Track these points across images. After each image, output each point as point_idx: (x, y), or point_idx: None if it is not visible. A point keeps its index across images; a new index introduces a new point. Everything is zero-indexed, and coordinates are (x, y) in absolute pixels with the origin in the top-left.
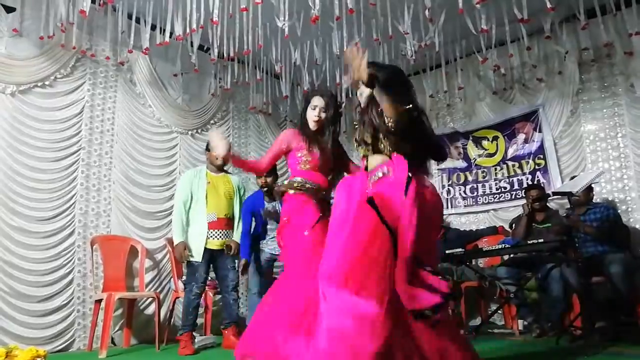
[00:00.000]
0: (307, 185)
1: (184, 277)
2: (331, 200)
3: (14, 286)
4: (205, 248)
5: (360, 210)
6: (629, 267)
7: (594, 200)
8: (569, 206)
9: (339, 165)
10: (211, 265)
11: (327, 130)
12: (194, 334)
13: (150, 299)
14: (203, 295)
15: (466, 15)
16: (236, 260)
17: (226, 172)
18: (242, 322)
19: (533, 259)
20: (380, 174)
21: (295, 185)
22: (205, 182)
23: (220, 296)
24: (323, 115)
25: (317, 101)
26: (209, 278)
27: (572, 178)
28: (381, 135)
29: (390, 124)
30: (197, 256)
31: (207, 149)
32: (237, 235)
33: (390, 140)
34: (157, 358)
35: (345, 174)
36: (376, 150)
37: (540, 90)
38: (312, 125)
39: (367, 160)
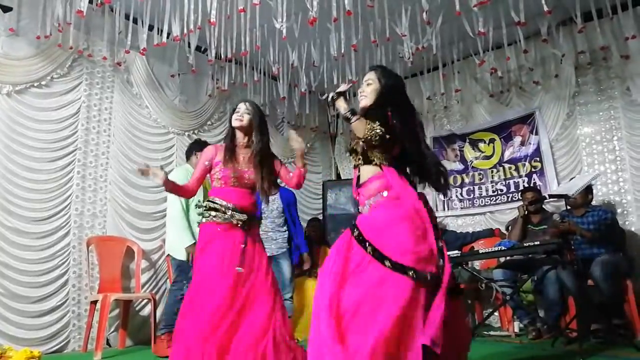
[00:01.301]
0: (213, 213)
1: (174, 276)
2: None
3: (8, 287)
4: None
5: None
6: (616, 268)
7: (592, 203)
8: (564, 209)
9: (267, 173)
10: None
11: (255, 138)
12: None
13: (146, 300)
14: None
15: (463, 17)
16: None
17: None
18: None
19: (529, 261)
20: (379, 198)
21: (203, 213)
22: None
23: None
24: (247, 117)
25: (241, 106)
26: None
27: (571, 179)
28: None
29: (360, 140)
30: (185, 253)
31: (193, 152)
32: None
33: (378, 152)
34: (152, 359)
35: (279, 180)
36: (366, 161)
37: (536, 93)
38: (235, 124)
39: (359, 171)
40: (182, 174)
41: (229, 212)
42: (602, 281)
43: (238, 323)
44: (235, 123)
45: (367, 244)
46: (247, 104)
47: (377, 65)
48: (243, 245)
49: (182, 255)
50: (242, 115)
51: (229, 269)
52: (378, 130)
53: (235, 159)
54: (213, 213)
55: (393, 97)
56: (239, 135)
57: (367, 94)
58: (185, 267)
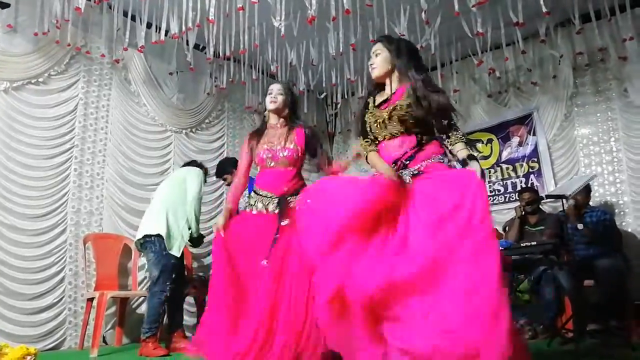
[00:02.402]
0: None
1: (154, 274)
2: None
3: (4, 284)
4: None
5: None
6: (619, 271)
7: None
8: (561, 210)
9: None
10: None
11: (292, 117)
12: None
13: (142, 298)
14: (198, 295)
15: (462, 18)
16: None
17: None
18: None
19: (526, 261)
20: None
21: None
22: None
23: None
24: (280, 98)
25: (273, 87)
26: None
27: (569, 179)
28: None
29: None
30: (177, 252)
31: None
32: None
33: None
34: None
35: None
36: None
37: (534, 94)
38: (270, 107)
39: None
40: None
41: (264, 201)
42: (611, 283)
43: (272, 330)
44: (270, 106)
45: None
46: (279, 85)
47: (381, 36)
48: (276, 236)
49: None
50: (275, 97)
51: (257, 263)
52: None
53: (269, 140)
54: (252, 202)
55: (409, 57)
56: (273, 117)
57: (377, 64)
58: (170, 267)
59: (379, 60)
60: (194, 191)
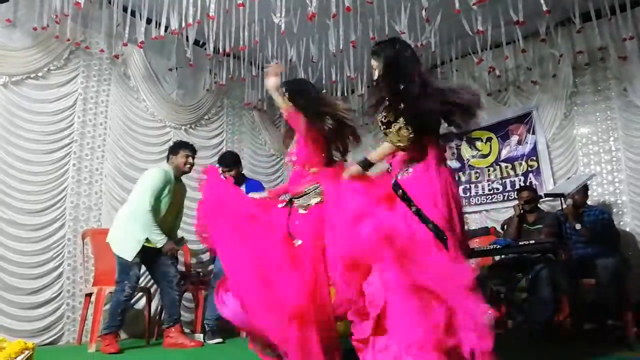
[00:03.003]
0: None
1: (116, 276)
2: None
3: (3, 278)
4: (143, 246)
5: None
6: (617, 270)
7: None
8: (559, 208)
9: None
10: (144, 264)
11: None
12: (187, 329)
13: (140, 294)
14: (195, 291)
15: (462, 16)
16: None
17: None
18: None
19: (524, 260)
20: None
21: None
22: (171, 194)
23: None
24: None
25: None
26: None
27: (568, 179)
28: None
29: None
30: (132, 252)
31: (173, 152)
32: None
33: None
34: (146, 352)
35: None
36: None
37: (534, 92)
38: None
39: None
40: (166, 179)
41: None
42: (610, 284)
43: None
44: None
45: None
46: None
47: (372, 48)
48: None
49: (128, 255)
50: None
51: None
52: (405, 134)
53: (285, 145)
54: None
55: (397, 72)
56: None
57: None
58: (126, 267)
59: (377, 75)
60: (139, 195)
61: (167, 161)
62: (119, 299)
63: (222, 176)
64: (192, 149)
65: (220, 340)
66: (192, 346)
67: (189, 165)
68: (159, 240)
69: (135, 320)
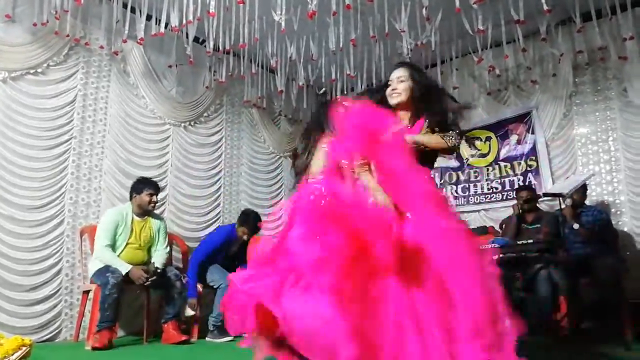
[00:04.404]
0: None
1: (95, 271)
2: None
3: (1, 275)
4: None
5: None
6: (615, 270)
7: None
8: (558, 208)
9: None
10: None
11: None
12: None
13: (138, 291)
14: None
15: (463, 15)
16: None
17: (150, 213)
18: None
19: (522, 259)
20: None
21: None
22: (129, 230)
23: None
24: None
25: None
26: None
27: (566, 178)
28: None
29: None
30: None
31: (137, 191)
32: (158, 260)
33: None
34: (145, 349)
35: None
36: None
37: (534, 92)
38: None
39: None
40: (116, 218)
41: None
42: (602, 281)
43: None
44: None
45: None
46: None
47: (403, 62)
48: None
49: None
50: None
51: None
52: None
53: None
54: None
55: (430, 96)
56: None
57: (402, 91)
58: (103, 269)
59: (403, 88)
60: (96, 233)
61: (130, 199)
62: (104, 293)
63: (244, 237)
64: (155, 187)
65: (230, 338)
66: (187, 338)
67: (152, 204)
68: (121, 268)
69: (134, 318)
